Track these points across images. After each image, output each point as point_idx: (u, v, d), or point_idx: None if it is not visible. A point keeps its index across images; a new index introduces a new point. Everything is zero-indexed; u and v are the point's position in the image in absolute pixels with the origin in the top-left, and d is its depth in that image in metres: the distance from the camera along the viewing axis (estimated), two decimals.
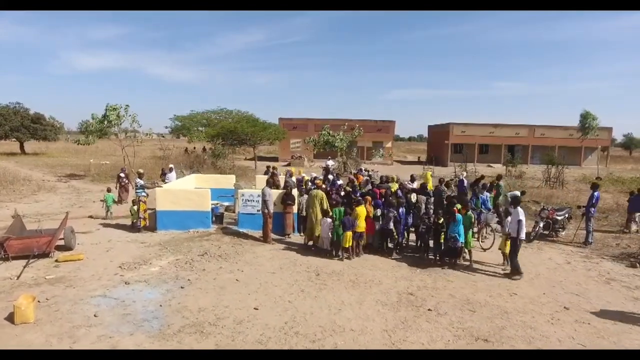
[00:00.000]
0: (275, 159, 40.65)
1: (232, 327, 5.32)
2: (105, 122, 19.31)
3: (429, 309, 6.01)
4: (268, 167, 14.24)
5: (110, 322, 5.40)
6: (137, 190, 10.25)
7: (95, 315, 5.54)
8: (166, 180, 12.44)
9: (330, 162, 23.08)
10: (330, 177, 13.33)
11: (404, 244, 9.10)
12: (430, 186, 11.94)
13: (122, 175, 14.25)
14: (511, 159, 29.67)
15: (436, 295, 6.56)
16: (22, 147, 38.80)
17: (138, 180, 10.44)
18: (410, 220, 8.97)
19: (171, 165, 12.84)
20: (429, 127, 50.81)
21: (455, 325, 5.54)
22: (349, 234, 8.23)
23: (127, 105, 19.86)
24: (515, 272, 7.54)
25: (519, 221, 7.38)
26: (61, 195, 15.68)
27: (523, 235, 7.47)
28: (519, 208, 7.57)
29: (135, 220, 10.49)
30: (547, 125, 41.96)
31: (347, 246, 8.30)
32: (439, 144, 44.08)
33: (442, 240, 8.35)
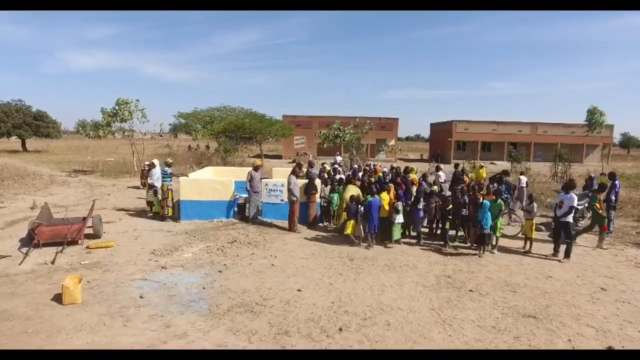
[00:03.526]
0: (279, 157, 40.65)
1: (281, 306, 5.34)
2: (117, 117, 19.23)
3: (470, 290, 6.06)
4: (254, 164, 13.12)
5: (157, 302, 5.40)
6: (165, 179, 10.21)
7: (141, 297, 5.55)
8: (149, 179, 11.01)
9: (339, 158, 23.16)
10: (340, 169, 13.44)
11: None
12: (482, 175, 12.11)
13: (146, 163, 14.54)
14: (516, 154, 29.76)
15: (473, 278, 6.62)
16: (24, 144, 38.58)
17: (166, 168, 10.38)
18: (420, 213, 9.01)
19: (154, 160, 11.29)
20: (431, 124, 51.02)
21: (499, 304, 5.59)
22: (353, 222, 8.35)
23: (137, 100, 19.83)
24: (567, 255, 7.76)
25: (571, 207, 7.51)
26: (75, 189, 15.61)
27: (570, 219, 7.60)
28: (572, 194, 7.67)
29: (157, 211, 10.49)
30: (549, 123, 42.28)
31: (347, 233, 8.37)
32: (442, 141, 44.26)
33: (447, 227, 8.51)
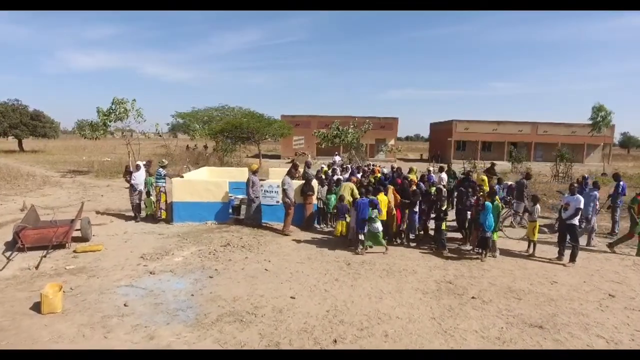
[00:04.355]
0: (278, 157, 40.36)
1: (273, 316, 5.05)
2: (112, 116, 18.90)
3: (472, 297, 5.77)
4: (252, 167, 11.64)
5: (142, 311, 5.11)
6: (159, 181, 9.92)
7: (125, 305, 5.26)
8: (132, 181, 10.13)
9: (337, 158, 22.86)
10: (338, 169, 13.12)
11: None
12: (486, 186, 11.73)
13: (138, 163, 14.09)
14: (516, 153, 29.46)
15: (476, 284, 6.33)
16: (20, 144, 38.28)
17: (160, 169, 10.08)
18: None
19: (138, 162, 10.44)
20: (431, 124, 50.75)
21: (504, 312, 5.30)
22: (344, 223, 8.17)
23: (134, 100, 19.50)
24: (573, 259, 7.47)
25: (577, 209, 7.23)
26: (68, 190, 15.32)
27: (576, 221, 7.33)
28: (578, 195, 7.40)
29: (150, 212, 10.20)
30: (550, 123, 41.98)
31: (338, 235, 8.18)
32: (442, 141, 43.98)
33: (444, 228, 8.18)
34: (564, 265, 7.44)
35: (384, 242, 7.89)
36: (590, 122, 27.98)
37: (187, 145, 37.24)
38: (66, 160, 28.72)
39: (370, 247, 7.89)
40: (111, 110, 19.29)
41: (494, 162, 14.76)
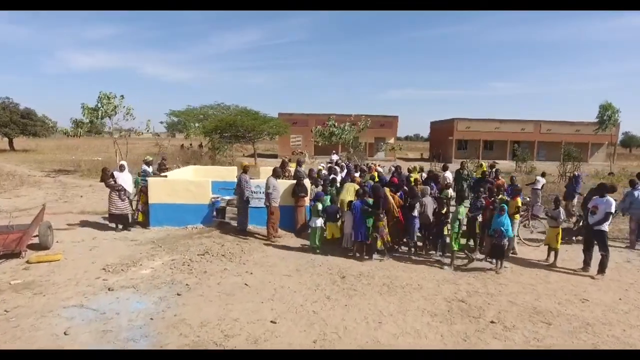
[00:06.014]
0: (275, 156, 39.37)
1: (246, 347, 4.06)
2: (100, 113, 17.87)
3: (491, 321, 4.78)
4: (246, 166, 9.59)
5: (84, 341, 4.12)
6: (142, 179, 8.93)
7: (65, 334, 4.26)
8: (123, 184, 8.78)
9: (335, 157, 21.94)
10: (338, 169, 12.16)
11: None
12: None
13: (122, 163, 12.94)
14: (520, 152, 28.46)
15: (493, 303, 5.34)
16: (11, 143, 37.24)
17: (144, 166, 9.06)
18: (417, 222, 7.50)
19: (122, 163, 9.16)
20: (431, 123, 49.74)
21: (532, 343, 4.31)
22: (333, 225, 7.54)
23: (122, 96, 18.48)
24: (602, 270, 6.52)
25: (607, 213, 6.24)
26: (46, 190, 14.31)
27: (605, 227, 6.34)
28: (608, 197, 6.40)
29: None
30: (553, 121, 40.99)
31: (329, 238, 7.57)
32: (442, 140, 42.97)
33: (446, 233, 7.27)
34: (591, 277, 6.46)
35: (315, 240, 7.37)
36: (597, 120, 27.07)
37: (182, 144, 36.26)
38: (55, 159, 27.71)
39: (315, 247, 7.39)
40: (98, 107, 18.30)
41: (496, 161, 13.86)
